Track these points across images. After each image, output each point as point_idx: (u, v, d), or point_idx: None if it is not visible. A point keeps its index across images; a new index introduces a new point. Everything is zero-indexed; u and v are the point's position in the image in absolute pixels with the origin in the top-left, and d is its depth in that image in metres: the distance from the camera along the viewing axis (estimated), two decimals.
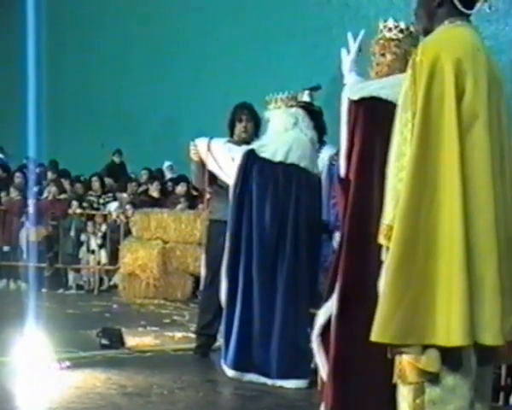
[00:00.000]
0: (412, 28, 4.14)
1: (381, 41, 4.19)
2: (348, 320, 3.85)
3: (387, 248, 2.72)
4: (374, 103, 3.93)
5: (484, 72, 2.75)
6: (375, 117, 3.91)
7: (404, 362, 2.69)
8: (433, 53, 2.68)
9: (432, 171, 2.63)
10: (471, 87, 2.69)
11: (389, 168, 2.75)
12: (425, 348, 2.63)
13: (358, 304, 3.76)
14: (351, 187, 3.90)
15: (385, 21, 4.20)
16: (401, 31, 4.17)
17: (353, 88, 4.05)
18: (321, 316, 4.15)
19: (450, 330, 2.56)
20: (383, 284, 2.67)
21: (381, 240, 2.75)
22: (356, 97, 3.96)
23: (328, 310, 4.04)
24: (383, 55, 4.15)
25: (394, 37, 4.15)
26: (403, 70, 3.98)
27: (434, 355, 2.63)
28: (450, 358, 2.65)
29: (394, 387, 3.57)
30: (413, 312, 2.59)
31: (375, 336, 2.64)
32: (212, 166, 6.01)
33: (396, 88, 3.76)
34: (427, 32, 2.92)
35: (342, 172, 4.04)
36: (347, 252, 3.91)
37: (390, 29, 4.17)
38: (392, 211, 2.69)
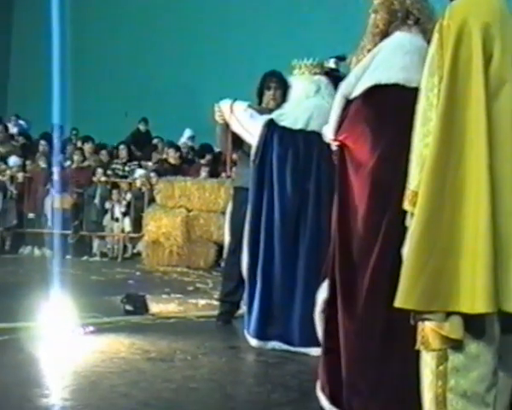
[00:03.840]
0: None
1: None
2: (336, 303, 3.81)
3: (412, 214, 2.70)
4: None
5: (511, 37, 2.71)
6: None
7: (427, 329, 2.68)
8: (460, 17, 2.65)
9: (458, 136, 2.60)
10: (499, 52, 2.65)
11: (414, 133, 2.72)
12: (448, 314, 2.61)
13: (346, 288, 3.75)
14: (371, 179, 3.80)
15: None
16: None
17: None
18: (322, 291, 4.13)
19: (474, 296, 2.54)
20: (407, 249, 2.66)
21: (406, 206, 2.73)
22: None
23: (326, 286, 3.99)
24: (376, 11, 3.85)
25: None
26: (387, 19, 3.79)
27: (458, 322, 2.61)
28: (474, 325, 2.64)
29: (388, 364, 3.60)
30: (437, 278, 2.57)
31: (398, 302, 2.64)
32: (235, 126, 5.99)
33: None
34: None
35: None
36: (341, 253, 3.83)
37: None
38: (417, 176, 2.67)
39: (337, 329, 3.80)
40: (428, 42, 3.03)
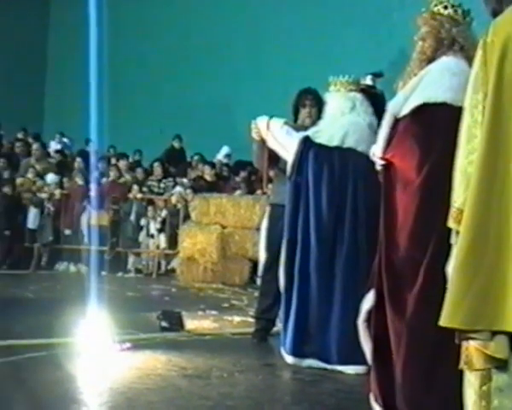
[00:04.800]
0: (468, 16, 4.08)
1: (425, 14, 4.12)
2: (384, 312, 3.93)
3: (457, 232, 2.67)
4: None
5: None
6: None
7: (471, 348, 2.64)
8: (504, 33, 2.62)
9: (503, 152, 2.57)
10: None
11: (459, 150, 2.70)
12: (494, 334, 2.58)
13: (394, 297, 3.87)
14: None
15: None
16: (455, 11, 4.09)
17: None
18: (366, 302, 4.18)
19: None
20: (453, 268, 2.63)
21: (451, 223, 2.70)
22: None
23: (371, 297, 4.11)
24: (423, 39, 4.08)
25: (437, 11, 4.08)
26: (434, 47, 3.98)
27: (503, 342, 2.58)
28: None
29: (433, 374, 3.71)
30: (483, 297, 2.54)
31: (444, 321, 2.60)
32: (272, 143, 5.99)
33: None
34: (495, 13, 2.85)
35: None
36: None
37: (446, 7, 4.09)
38: (462, 194, 2.64)
39: (386, 337, 3.87)
40: None
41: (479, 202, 2.57)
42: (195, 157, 13.94)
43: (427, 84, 3.95)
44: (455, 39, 4.02)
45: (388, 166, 4.05)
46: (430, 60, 4.02)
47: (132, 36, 17.19)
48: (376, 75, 6.30)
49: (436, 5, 4.10)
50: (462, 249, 2.59)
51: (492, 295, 2.54)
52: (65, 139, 15.36)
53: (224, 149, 14.04)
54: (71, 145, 15.25)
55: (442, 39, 4.03)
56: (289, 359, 5.61)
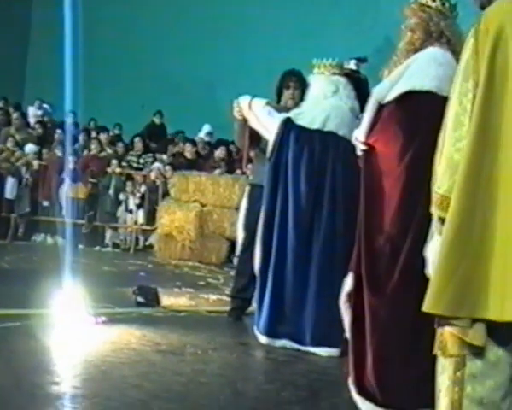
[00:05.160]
0: (454, 9, 4.12)
1: (413, 5, 4.16)
2: (362, 295, 3.98)
3: (440, 218, 2.69)
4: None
5: None
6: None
7: (446, 334, 2.67)
8: (497, 23, 2.64)
9: (492, 141, 2.59)
10: None
11: (445, 138, 2.71)
12: (473, 321, 2.61)
13: (373, 281, 3.93)
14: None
15: None
16: (443, 4, 4.13)
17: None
18: (347, 283, 4.21)
19: (503, 304, 2.53)
20: (438, 255, 2.65)
21: (433, 209, 2.72)
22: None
23: (351, 279, 4.14)
24: (413, 31, 4.13)
25: (426, 3, 4.13)
26: (423, 39, 4.04)
27: (481, 329, 2.61)
28: (495, 332, 2.63)
29: (407, 358, 3.78)
30: (467, 284, 2.56)
31: (427, 307, 2.62)
32: (253, 123, 5.99)
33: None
34: (483, 6, 2.86)
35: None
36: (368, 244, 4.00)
37: None
38: (447, 181, 2.65)
39: (363, 320, 3.95)
40: (457, 61, 3.17)
41: (465, 191, 2.59)
42: (179, 135, 13.89)
43: (414, 72, 3.99)
44: (443, 33, 4.07)
45: (370, 151, 4.08)
46: (417, 50, 4.06)
47: (116, 10, 17.06)
48: (360, 60, 6.31)
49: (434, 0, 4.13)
50: (447, 237, 2.61)
51: (475, 282, 2.57)
52: (45, 105, 15.20)
53: (206, 127, 13.99)
54: (51, 111, 15.12)
55: (431, 32, 4.08)
56: (263, 339, 5.64)
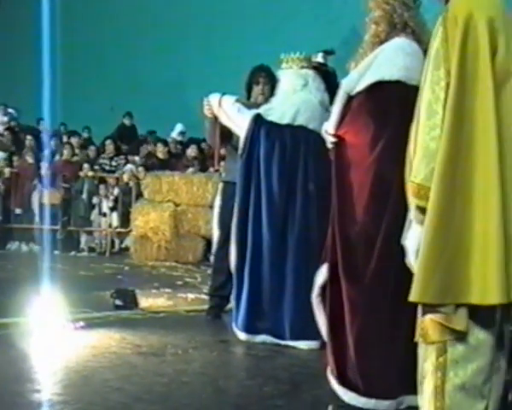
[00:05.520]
0: (418, 1, 4.15)
1: None
2: (339, 285, 4.00)
3: (418, 207, 2.72)
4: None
5: None
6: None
7: (427, 321, 2.70)
8: (466, 10, 2.67)
9: (467, 129, 2.62)
10: (503, 45, 2.68)
11: (419, 127, 2.73)
12: (456, 307, 2.64)
13: (349, 270, 3.96)
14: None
15: None
16: None
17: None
18: (319, 277, 4.25)
19: (485, 288, 2.56)
20: (422, 246, 2.67)
21: (411, 199, 2.75)
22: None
23: (325, 271, 4.17)
24: (377, 23, 4.14)
25: None
26: (387, 31, 4.07)
27: (464, 314, 2.64)
28: (477, 316, 2.67)
29: (388, 346, 3.82)
30: (451, 271, 2.60)
31: (414, 297, 2.65)
32: (224, 120, 5.99)
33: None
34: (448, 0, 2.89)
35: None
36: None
37: None
38: (423, 170, 2.68)
39: (341, 310, 3.95)
40: (424, 51, 3.21)
41: (444, 180, 2.62)
42: (151, 136, 13.84)
43: (382, 62, 4.01)
44: (407, 23, 4.09)
45: (340, 142, 4.10)
46: (382, 42, 4.08)
47: (84, 12, 16.97)
48: (327, 53, 6.32)
49: None
50: (429, 226, 2.64)
51: (458, 269, 2.60)
52: (10, 110, 15.04)
53: (178, 127, 13.97)
54: (17, 116, 14.98)
55: (395, 24, 4.09)
56: (242, 335, 5.65)
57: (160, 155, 12.55)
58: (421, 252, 2.67)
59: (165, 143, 12.97)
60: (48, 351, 5.15)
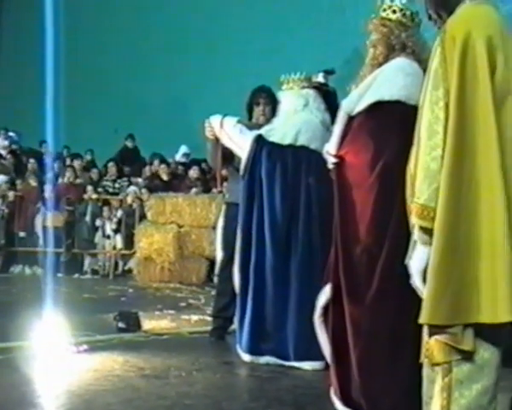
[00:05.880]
0: (416, 18, 4.16)
1: (374, 20, 4.21)
2: (341, 306, 4.01)
3: (421, 228, 2.71)
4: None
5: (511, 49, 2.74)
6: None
7: (432, 342, 2.68)
8: (464, 29, 2.66)
9: (469, 148, 2.61)
10: (502, 64, 2.67)
11: (420, 147, 2.73)
12: (464, 326, 2.63)
13: (352, 291, 3.96)
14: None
15: (391, 1, 4.19)
16: (404, 15, 4.17)
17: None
18: (321, 297, 4.24)
19: (496, 306, 2.55)
20: (430, 268, 2.66)
21: (414, 220, 2.73)
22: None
23: (327, 291, 4.17)
24: (374, 46, 4.18)
25: (386, 16, 4.17)
26: (385, 54, 4.09)
27: (471, 334, 2.63)
28: (483, 335, 2.65)
29: (391, 367, 3.80)
30: (460, 291, 2.58)
31: (424, 319, 2.64)
32: (226, 142, 5.99)
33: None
34: (441, 17, 2.89)
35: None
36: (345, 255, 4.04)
37: (394, 11, 4.17)
38: (426, 190, 2.67)
39: (344, 331, 3.93)
40: (424, 70, 3.22)
41: (449, 200, 2.61)
42: (156, 159, 13.84)
43: (382, 82, 4.03)
44: (405, 44, 4.12)
45: (341, 162, 4.11)
46: (381, 65, 4.11)
47: (87, 34, 17.04)
48: (328, 72, 6.33)
49: (385, 10, 4.17)
50: (437, 249, 2.62)
51: (467, 289, 2.59)
52: (11, 133, 15.08)
53: (183, 149, 14.00)
54: (18, 139, 15.01)
55: (393, 46, 4.12)
56: (246, 357, 5.63)
57: (164, 177, 12.56)
58: (429, 274, 2.65)
59: (168, 164, 12.99)
60: (51, 375, 5.13)
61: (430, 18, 2.93)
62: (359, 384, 3.92)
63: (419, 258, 2.76)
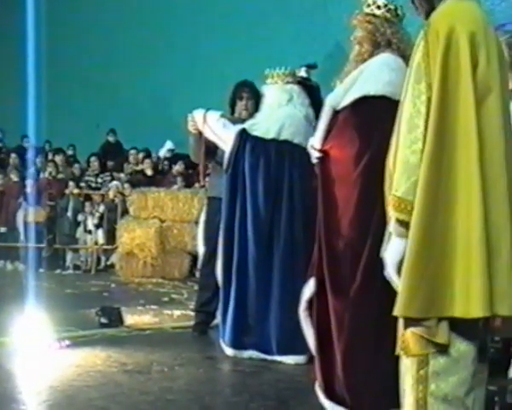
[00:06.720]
0: (400, 12, 4.17)
1: (359, 16, 4.21)
2: (326, 300, 4.03)
3: (397, 220, 2.71)
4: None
5: (494, 46, 2.75)
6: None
7: (408, 334, 2.70)
8: (447, 24, 2.67)
9: (449, 143, 2.62)
10: (484, 60, 2.68)
11: (400, 140, 2.73)
12: (439, 320, 2.64)
13: (336, 285, 3.99)
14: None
15: None
16: (388, 10, 4.17)
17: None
18: (306, 291, 4.26)
19: (469, 301, 2.56)
20: (405, 261, 2.66)
21: (391, 212, 2.74)
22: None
23: (312, 285, 4.19)
24: (360, 44, 4.21)
25: (371, 12, 4.17)
26: (370, 51, 4.11)
27: (445, 327, 2.64)
28: (458, 329, 2.66)
29: (374, 361, 3.83)
30: (435, 285, 2.59)
31: (399, 311, 2.65)
32: (209, 135, 5.98)
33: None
34: (428, 14, 2.90)
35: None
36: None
37: (379, 7, 4.17)
38: (404, 184, 2.67)
39: (328, 324, 3.96)
40: (407, 65, 3.24)
41: (427, 193, 2.62)
42: (141, 153, 13.77)
43: (367, 77, 4.05)
44: (390, 41, 4.14)
45: (326, 157, 4.11)
46: (366, 61, 4.13)
47: (69, 30, 16.95)
48: (310, 67, 6.36)
49: (369, 5, 4.18)
50: (413, 242, 2.63)
51: (442, 283, 2.60)
52: None
53: (168, 144, 13.97)
54: (2, 137, 14.92)
55: (378, 43, 4.15)
56: (229, 351, 5.63)
57: (148, 172, 12.54)
58: (405, 266, 2.66)
59: (151, 159, 12.95)
60: (32, 371, 5.11)
61: (413, 2, 2.94)
62: (342, 377, 3.94)
63: (394, 250, 2.77)
